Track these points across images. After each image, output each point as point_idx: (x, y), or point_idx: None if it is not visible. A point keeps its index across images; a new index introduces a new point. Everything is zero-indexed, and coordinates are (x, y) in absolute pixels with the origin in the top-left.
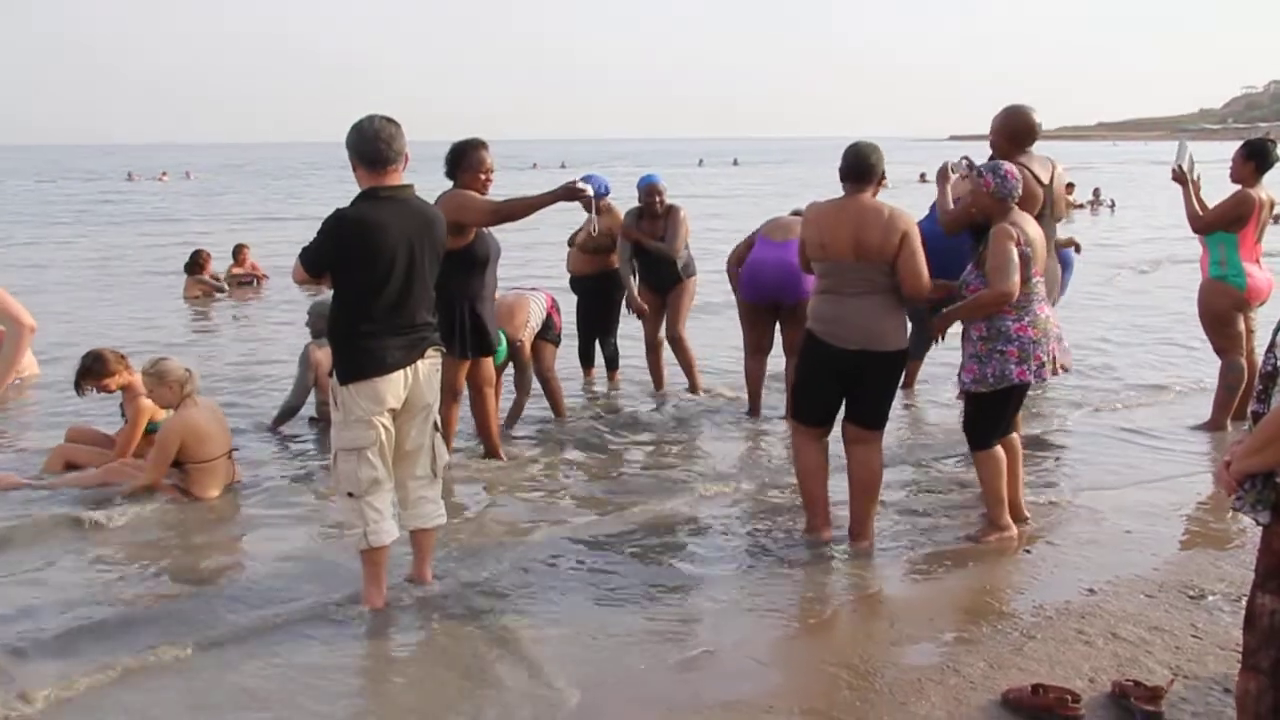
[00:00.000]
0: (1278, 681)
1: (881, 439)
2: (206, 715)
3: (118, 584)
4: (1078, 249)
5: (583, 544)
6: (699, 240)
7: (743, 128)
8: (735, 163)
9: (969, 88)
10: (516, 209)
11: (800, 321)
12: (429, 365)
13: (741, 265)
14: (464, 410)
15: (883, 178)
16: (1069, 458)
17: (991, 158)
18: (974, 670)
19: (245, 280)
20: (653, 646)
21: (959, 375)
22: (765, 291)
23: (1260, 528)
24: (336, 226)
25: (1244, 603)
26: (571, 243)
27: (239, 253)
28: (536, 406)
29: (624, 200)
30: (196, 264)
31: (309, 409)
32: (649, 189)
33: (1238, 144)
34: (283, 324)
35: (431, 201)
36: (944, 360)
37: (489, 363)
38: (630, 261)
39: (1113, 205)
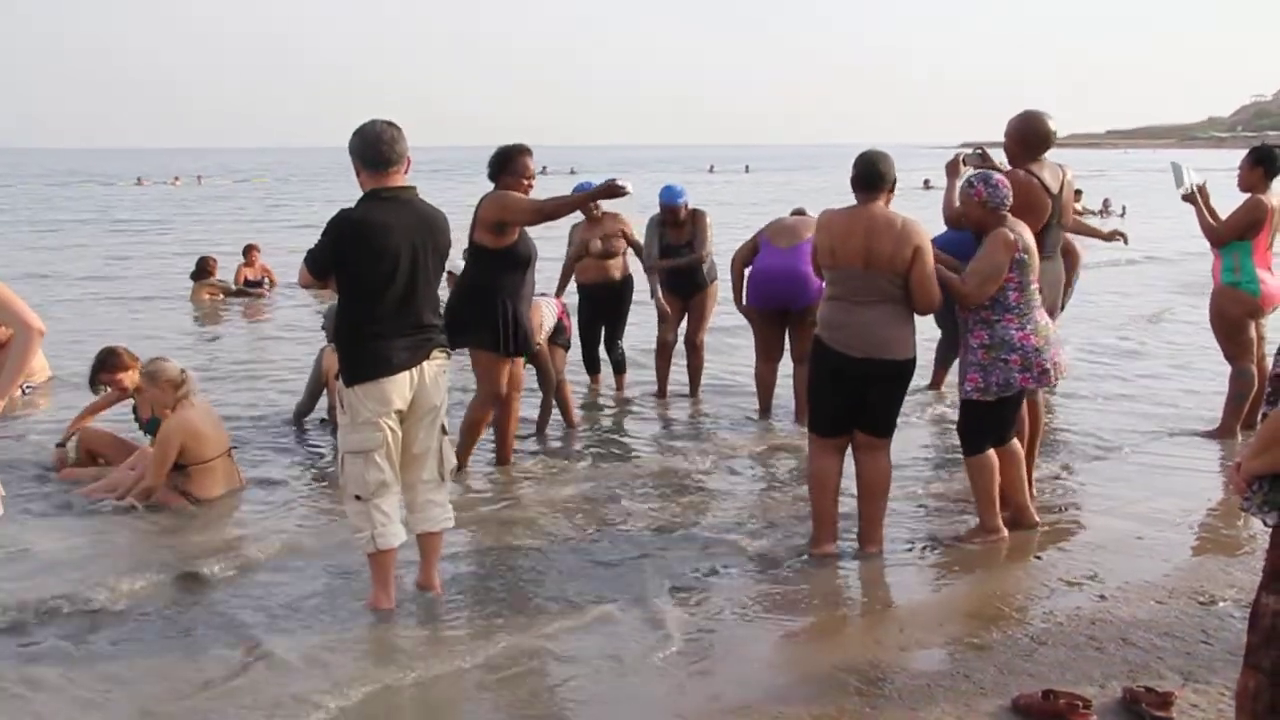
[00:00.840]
0: (1277, 681)
1: (889, 445)
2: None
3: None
4: (1125, 240)
5: (588, 549)
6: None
7: (754, 135)
8: (747, 169)
9: (981, 93)
10: (559, 208)
11: (808, 328)
12: (435, 367)
13: (745, 267)
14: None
15: (894, 186)
16: (1078, 464)
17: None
18: (984, 676)
19: (255, 282)
20: (661, 651)
21: (961, 384)
22: (773, 299)
23: (1269, 531)
24: (339, 227)
25: None
26: (580, 257)
27: (249, 253)
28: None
29: (640, 208)
30: (204, 270)
31: (319, 411)
32: (671, 209)
33: (1245, 152)
34: (289, 326)
35: (476, 201)
36: None
37: (520, 364)
38: (655, 264)
39: (1123, 212)
